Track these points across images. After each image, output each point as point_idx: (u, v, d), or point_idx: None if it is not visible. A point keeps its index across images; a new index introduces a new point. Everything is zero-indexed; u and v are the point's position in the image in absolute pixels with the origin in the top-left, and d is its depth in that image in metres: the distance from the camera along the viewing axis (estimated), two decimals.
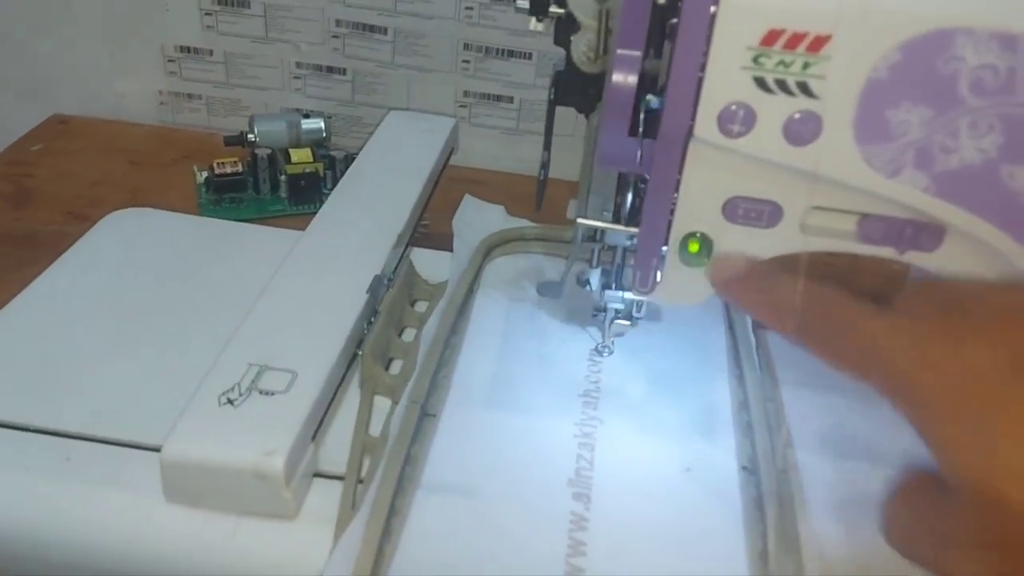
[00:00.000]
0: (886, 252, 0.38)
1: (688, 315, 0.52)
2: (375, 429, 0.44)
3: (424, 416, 0.44)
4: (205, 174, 0.75)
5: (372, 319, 0.48)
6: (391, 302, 0.50)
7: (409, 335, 0.52)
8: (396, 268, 0.53)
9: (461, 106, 0.85)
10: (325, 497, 0.39)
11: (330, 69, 0.85)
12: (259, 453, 0.37)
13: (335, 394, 0.43)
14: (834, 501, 0.42)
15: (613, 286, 0.48)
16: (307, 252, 0.51)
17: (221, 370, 0.41)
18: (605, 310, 0.49)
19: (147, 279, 0.52)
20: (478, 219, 0.59)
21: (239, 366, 0.41)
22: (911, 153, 0.35)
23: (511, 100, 0.84)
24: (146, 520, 0.38)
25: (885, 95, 0.34)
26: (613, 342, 0.50)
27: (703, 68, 0.35)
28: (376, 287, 0.49)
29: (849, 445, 0.45)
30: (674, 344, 0.51)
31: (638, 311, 0.50)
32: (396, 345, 0.50)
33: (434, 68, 0.84)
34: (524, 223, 0.60)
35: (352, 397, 0.45)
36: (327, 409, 0.42)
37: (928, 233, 0.37)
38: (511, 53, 0.82)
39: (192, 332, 0.46)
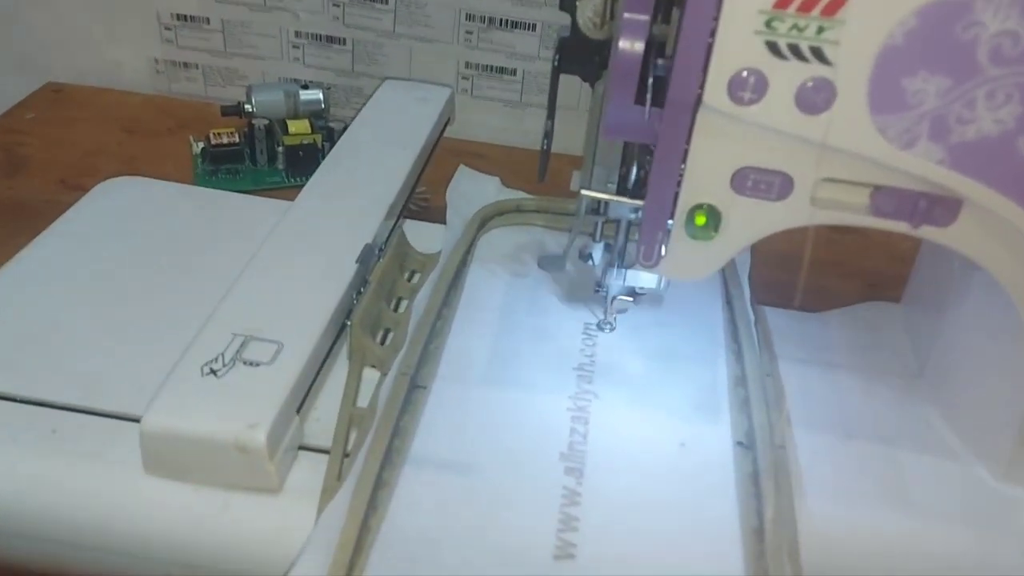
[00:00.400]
0: (900, 226, 0.37)
1: (690, 290, 0.51)
2: (364, 401, 0.43)
3: (414, 388, 0.43)
4: (201, 145, 0.74)
5: (362, 289, 0.47)
6: (382, 272, 0.48)
7: (403, 307, 0.51)
8: (388, 238, 0.51)
9: (463, 78, 0.84)
10: (311, 471, 0.38)
11: (330, 39, 0.84)
12: (242, 425, 0.36)
13: (322, 366, 0.42)
14: (833, 478, 0.41)
15: (616, 264, 0.47)
16: (296, 222, 0.50)
17: (205, 340, 0.40)
18: (608, 286, 0.48)
19: (138, 249, 0.51)
20: (473, 190, 0.58)
21: (224, 336, 0.40)
22: (926, 124, 0.34)
23: (514, 72, 0.83)
24: (129, 492, 0.37)
25: (901, 62, 0.33)
26: (616, 318, 0.49)
27: (713, 32, 0.34)
28: (366, 256, 0.47)
29: (850, 423, 0.44)
30: (674, 320, 0.49)
31: (641, 287, 0.48)
32: (387, 316, 0.49)
33: (436, 38, 0.82)
34: (520, 195, 0.59)
35: (340, 369, 0.44)
36: (313, 381, 0.41)
37: (943, 207, 0.36)
38: (514, 24, 0.80)
39: (182, 302, 0.45)
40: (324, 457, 0.39)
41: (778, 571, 0.35)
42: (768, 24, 0.33)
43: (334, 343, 0.44)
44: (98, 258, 0.50)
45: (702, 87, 0.35)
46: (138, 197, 0.56)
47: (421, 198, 0.68)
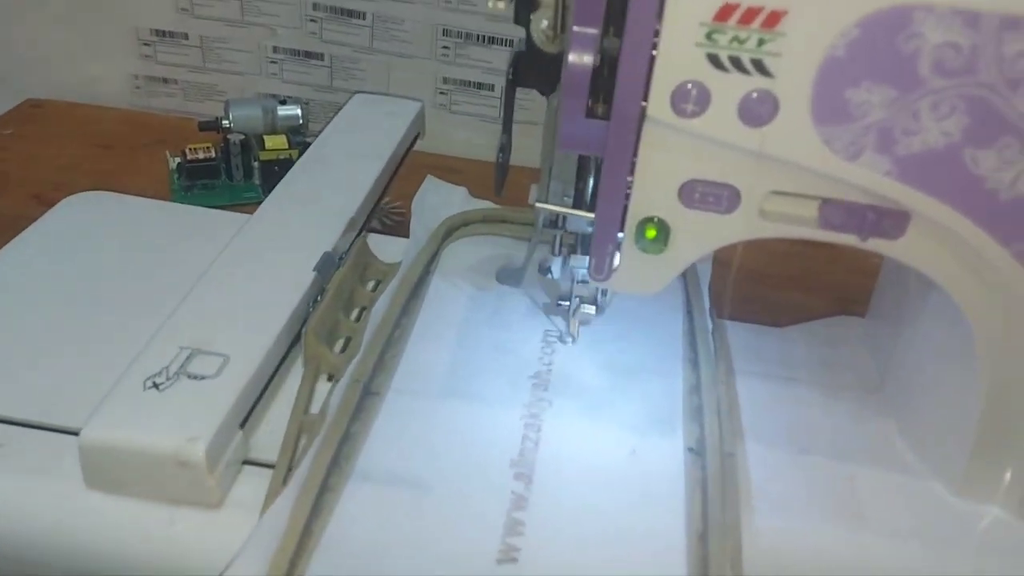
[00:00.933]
0: (849, 239, 0.37)
1: (652, 303, 0.51)
2: (316, 410, 0.42)
3: (367, 395, 0.42)
4: (177, 160, 0.74)
5: (319, 297, 0.46)
6: (340, 280, 0.48)
7: (363, 317, 0.50)
8: (349, 248, 0.51)
9: (441, 93, 0.84)
10: (257, 486, 0.38)
11: (307, 54, 0.84)
12: (181, 439, 0.35)
13: (271, 380, 0.42)
14: (785, 493, 0.41)
15: (572, 280, 0.47)
16: (253, 235, 0.49)
17: (150, 354, 0.40)
18: (569, 298, 0.48)
19: (98, 263, 0.51)
20: (439, 200, 0.58)
21: (170, 350, 0.40)
22: (872, 135, 0.34)
23: (491, 88, 0.83)
24: (71, 508, 0.37)
25: (844, 74, 0.33)
26: (579, 331, 0.49)
27: (656, 45, 0.34)
28: (325, 265, 0.47)
29: (806, 437, 0.44)
30: (635, 333, 0.49)
31: (604, 297, 0.48)
32: (345, 325, 0.48)
33: (413, 54, 0.82)
34: (487, 204, 0.58)
35: (294, 383, 0.44)
36: (261, 395, 0.41)
37: (891, 220, 0.36)
38: (491, 39, 0.80)
39: (140, 316, 0.45)
40: (271, 472, 0.39)
41: (719, 573, 0.35)
42: (709, 36, 0.33)
43: (285, 356, 0.43)
44: (57, 272, 0.50)
45: (646, 99, 0.35)
46: (103, 212, 0.56)
47: (396, 212, 0.68)
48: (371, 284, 0.53)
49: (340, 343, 0.48)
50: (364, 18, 0.81)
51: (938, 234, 0.36)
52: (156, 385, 0.38)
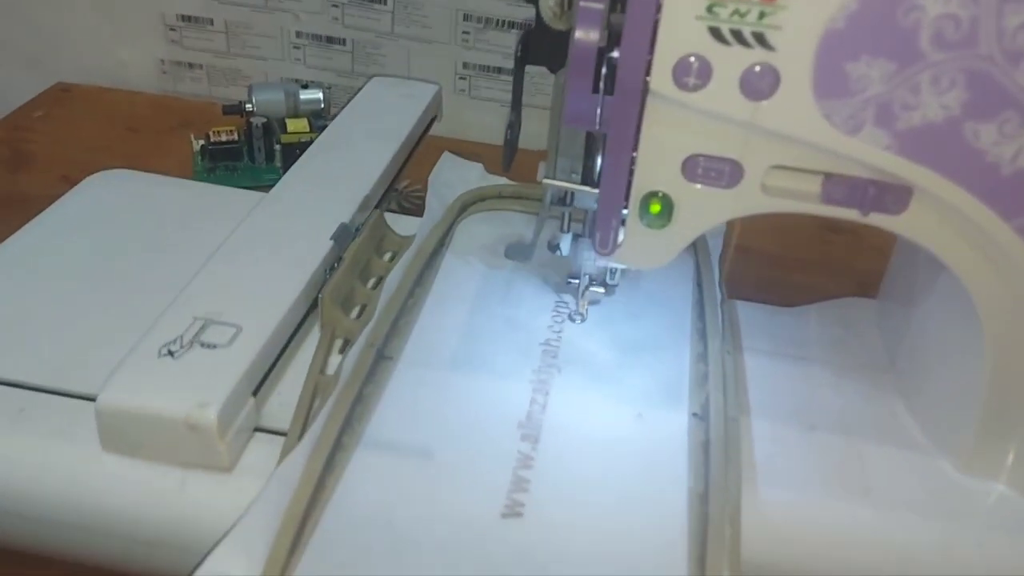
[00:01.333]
0: (850, 214, 0.37)
1: (662, 280, 0.51)
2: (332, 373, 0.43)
3: (381, 359, 0.43)
4: (201, 142, 0.75)
5: (335, 265, 0.47)
6: (356, 250, 0.49)
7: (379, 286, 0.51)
8: (366, 220, 0.52)
9: (461, 78, 0.84)
10: (267, 453, 0.39)
11: (329, 39, 0.85)
12: (193, 404, 0.36)
13: (284, 350, 0.43)
14: (793, 469, 0.41)
15: (582, 257, 0.47)
16: (268, 212, 0.50)
17: (166, 323, 0.41)
18: (579, 276, 0.49)
19: (119, 238, 0.52)
20: (455, 176, 0.58)
21: (184, 319, 0.41)
22: (872, 109, 0.34)
23: (511, 72, 0.83)
24: (88, 470, 0.38)
25: (844, 47, 0.33)
26: (587, 309, 0.49)
27: (658, 18, 0.34)
28: (341, 235, 0.48)
29: (815, 414, 0.44)
30: (645, 309, 0.49)
31: (612, 278, 0.49)
32: (361, 293, 0.49)
33: (434, 39, 0.83)
34: (502, 181, 0.59)
35: (308, 354, 0.45)
36: (273, 365, 0.42)
37: (893, 194, 0.36)
38: (511, 24, 0.81)
39: (158, 289, 0.46)
40: (283, 439, 0.40)
41: (718, 533, 0.35)
42: (710, 9, 0.33)
43: (299, 327, 0.44)
44: (79, 247, 0.51)
45: (649, 73, 0.35)
46: (125, 189, 0.57)
47: (415, 195, 0.69)
48: (387, 256, 0.54)
49: (356, 310, 0.49)
50: (385, 3, 0.82)
51: (940, 209, 0.36)
52: (171, 353, 0.39)
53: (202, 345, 0.40)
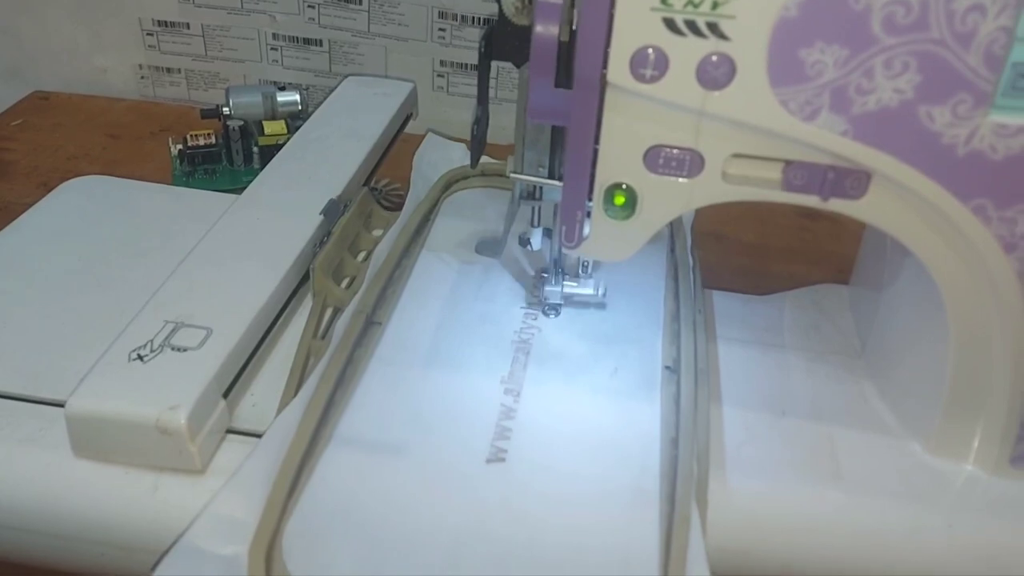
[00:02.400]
0: (810, 200, 0.37)
1: (636, 271, 0.51)
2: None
3: (370, 324, 0.45)
4: (179, 147, 0.75)
5: (325, 239, 0.49)
6: (345, 224, 0.51)
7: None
8: (353, 197, 0.54)
9: (439, 75, 0.85)
10: (240, 454, 0.39)
11: (306, 40, 0.85)
12: (163, 408, 0.37)
13: (255, 352, 0.43)
14: (764, 455, 0.41)
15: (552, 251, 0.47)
16: (240, 214, 0.51)
17: (136, 327, 0.41)
18: (549, 270, 0.49)
19: (94, 244, 0.52)
20: (439, 156, 0.60)
21: (155, 323, 0.41)
22: (827, 95, 0.34)
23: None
24: (60, 476, 0.38)
25: (797, 34, 0.33)
26: (561, 303, 0.49)
27: (612, 10, 0.34)
28: (331, 210, 0.51)
29: (787, 400, 0.44)
30: (617, 300, 0.50)
31: (584, 271, 0.49)
32: (350, 265, 0.51)
33: (410, 37, 0.83)
34: (484, 160, 0.59)
35: (281, 358, 0.45)
36: (244, 367, 0.42)
37: (852, 179, 0.36)
38: (486, 21, 0.81)
39: (131, 295, 0.46)
40: (255, 439, 0.40)
41: (686, 471, 0.38)
42: (664, 1, 0.34)
43: (270, 329, 0.45)
44: (53, 253, 0.51)
45: (606, 66, 0.35)
46: (101, 195, 0.57)
47: (394, 193, 0.69)
48: (376, 233, 0.55)
49: (345, 282, 0.51)
50: (361, 3, 0.82)
51: (899, 193, 0.36)
52: (140, 357, 0.39)
53: (172, 348, 0.40)
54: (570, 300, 0.49)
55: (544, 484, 0.38)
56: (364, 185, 0.58)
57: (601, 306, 0.49)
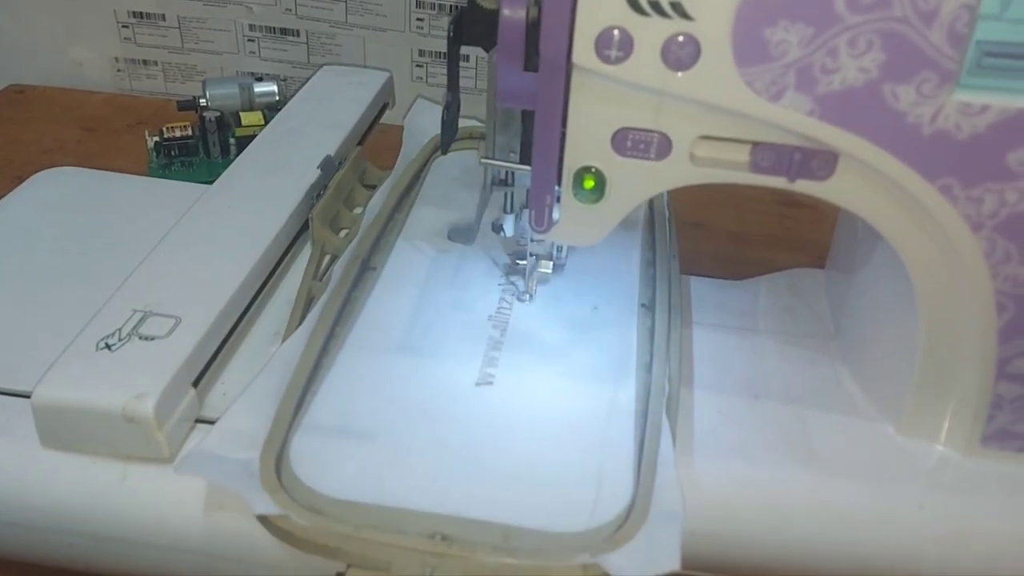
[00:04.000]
0: (778, 182, 0.37)
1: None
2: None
3: (365, 269, 0.49)
4: (155, 139, 0.75)
5: (322, 192, 0.52)
6: (341, 178, 0.54)
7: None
8: (348, 155, 0.57)
9: (417, 65, 0.84)
10: None
11: (283, 31, 0.84)
12: (129, 396, 0.36)
13: (226, 341, 0.43)
14: (737, 438, 0.41)
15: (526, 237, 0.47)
16: (212, 203, 0.50)
17: (104, 316, 0.40)
18: (525, 256, 0.49)
19: (66, 235, 0.52)
20: (428, 119, 0.62)
21: (123, 312, 0.41)
22: (792, 74, 0.34)
23: (467, 59, 0.83)
24: (28, 466, 0.38)
25: (761, 13, 0.33)
26: (535, 288, 0.49)
27: None
28: (327, 165, 0.54)
29: (760, 384, 0.44)
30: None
31: (559, 254, 0.49)
32: (346, 217, 0.54)
33: (388, 27, 0.82)
34: (472, 123, 0.62)
35: (253, 347, 0.45)
36: (215, 355, 0.42)
37: (819, 160, 0.36)
38: None
39: (103, 286, 0.45)
40: None
41: (659, 387, 0.42)
42: None
43: (241, 318, 0.44)
44: (23, 244, 0.51)
45: (572, 48, 0.35)
46: (73, 186, 0.57)
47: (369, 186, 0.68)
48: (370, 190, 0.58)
49: (342, 233, 0.53)
50: None
51: (866, 173, 0.36)
52: (108, 346, 0.39)
53: (140, 337, 0.39)
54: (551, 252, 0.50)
55: (527, 404, 0.42)
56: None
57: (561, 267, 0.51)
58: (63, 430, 0.37)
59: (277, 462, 0.37)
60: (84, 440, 0.38)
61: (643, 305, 0.48)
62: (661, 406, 0.41)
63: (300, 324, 0.44)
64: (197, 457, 0.36)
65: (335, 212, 0.53)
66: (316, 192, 0.52)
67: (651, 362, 0.43)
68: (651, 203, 0.56)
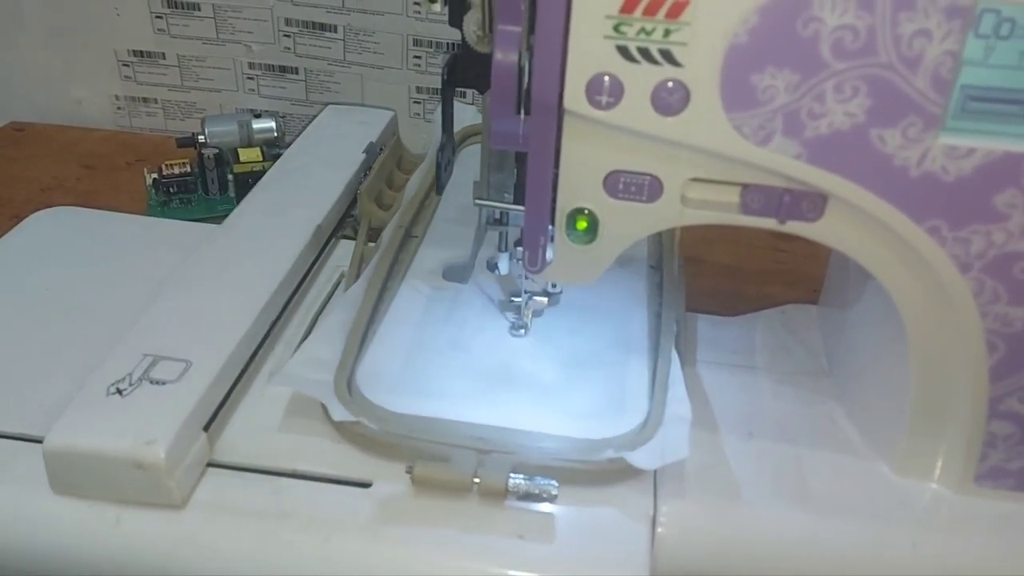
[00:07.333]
0: (768, 223, 0.38)
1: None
2: None
3: (408, 237, 0.56)
4: (154, 176, 0.75)
5: (367, 173, 0.60)
6: (382, 161, 0.62)
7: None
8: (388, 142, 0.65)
9: (415, 102, 0.85)
10: (221, 487, 0.39)
11: (283, 68, 0.85)
12: (140, 442, 0.36)
13: (235, 385, 0.43)
14: (731, 477, 0.41)
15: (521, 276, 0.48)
16: (219, 244, 0.50)
17: (114, 361, 0.41)
18: (520, 294, 0.49)
19: (66, 275, 0.52)
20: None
21: (133, 356, 0.41)
22: (780, 119, 0.35)
23: (464, 95, 0.84)
24: (39, 513, 0.38)
25: (748, 60, 0.34)
26: (531, 321, 0.50)
27: (567, 38, 0.35)
28: (371, 151, 0.61)
29: (755, 422, 0.44)
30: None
31: (554, 287, 0.49)
32: (387, 195, 0.61)
33: (386, 65, 0.83)
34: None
35: (262, 390, 0.45)
36: (225, 399, 0.42)
37: (808, 202, 0.37)
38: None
39: (106, 327, 0.46)
40: (240, 475, 0.40)
41: (668, 327, 0.48)
42: (616, 29, 0.34)
43: (250, 361, 0.44)
44: (24, 285, 0.51)
45: (563, 93, 0.36)
46: (72, 226, 0.57)
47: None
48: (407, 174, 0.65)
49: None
50: (336, 31, 0.82)
51: (855, 215, 0.36)
52: (119, 391, 0.39)
53: (151, 382, 0.39)
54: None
55: (556, 346, 0.48)
56: (346, 215, 0.60)
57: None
58: (75, 476, 0.37)
59: (348, 383, 0.43)
60: (95, 486, 0.38)
61: (651, 266, 0.54)
62: (671, 341, 0.47)
63: (358, 277, 0.51)
64: (285, 376, 0.43)
65: (379, 190, 0.60)
66: (361, 175, 0.60)
67: (660, 311, 0.50)
68: (659, 237, 0.57)
